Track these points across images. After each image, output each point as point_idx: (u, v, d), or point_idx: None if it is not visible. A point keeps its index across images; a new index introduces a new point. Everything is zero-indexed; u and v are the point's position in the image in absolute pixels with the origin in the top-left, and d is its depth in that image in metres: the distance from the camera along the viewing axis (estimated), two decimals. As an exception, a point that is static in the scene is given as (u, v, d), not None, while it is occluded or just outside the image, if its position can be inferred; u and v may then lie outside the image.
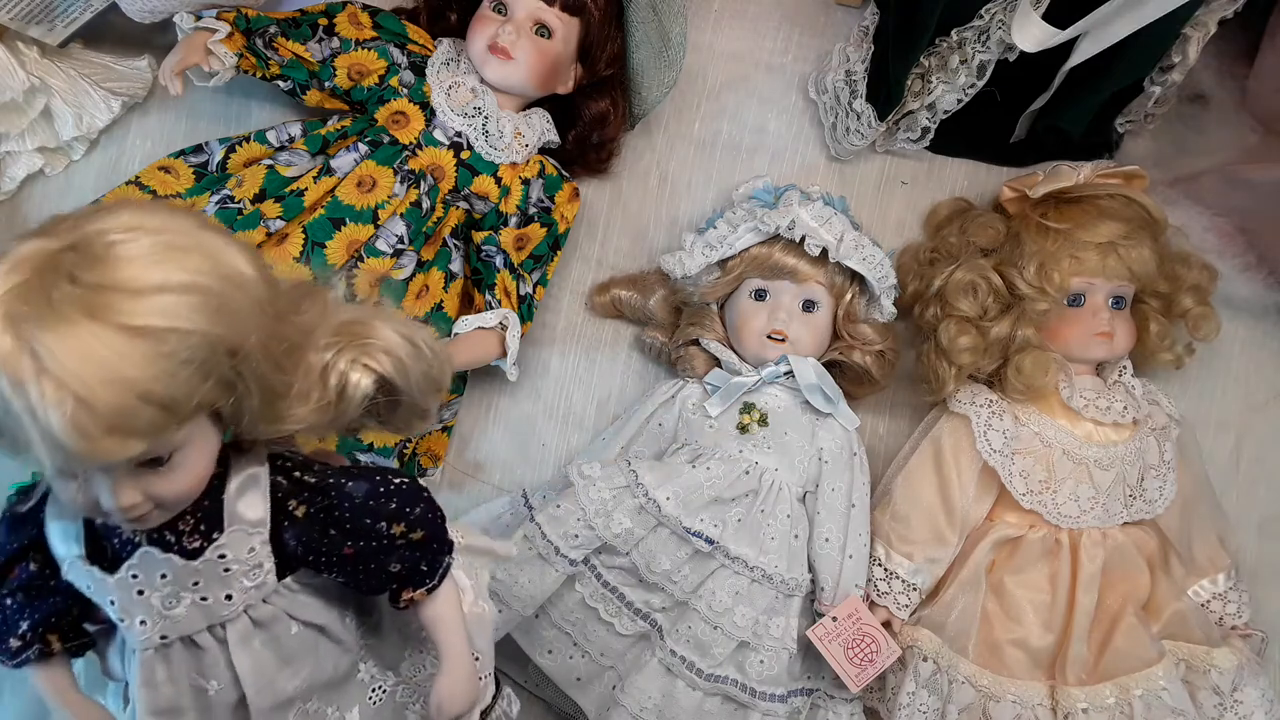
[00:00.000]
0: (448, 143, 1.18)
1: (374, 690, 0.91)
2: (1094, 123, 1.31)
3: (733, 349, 1.23)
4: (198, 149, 1.19)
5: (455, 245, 1.21)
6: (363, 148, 1.16)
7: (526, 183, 1.22)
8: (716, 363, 1.23)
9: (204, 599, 0.80)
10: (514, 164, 1.20)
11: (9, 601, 0.84)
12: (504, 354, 1.20)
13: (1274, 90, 1.26)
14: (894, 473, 1.26)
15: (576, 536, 1.13)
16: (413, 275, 1.17)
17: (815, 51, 1.35)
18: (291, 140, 1.18)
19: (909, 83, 1.26)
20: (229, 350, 0.70)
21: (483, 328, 1.18)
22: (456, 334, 1.18)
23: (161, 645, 0.80)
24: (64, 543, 0.80)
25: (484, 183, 1.19)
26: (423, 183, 1.16)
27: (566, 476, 1.17)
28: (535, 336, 1.28)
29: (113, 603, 0.79)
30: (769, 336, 1.20)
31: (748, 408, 1.19)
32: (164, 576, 0.78)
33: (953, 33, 1.22)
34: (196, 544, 0.79)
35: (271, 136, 1.18)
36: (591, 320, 1.34)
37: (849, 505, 1.19)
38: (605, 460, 1.19)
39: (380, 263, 1.15)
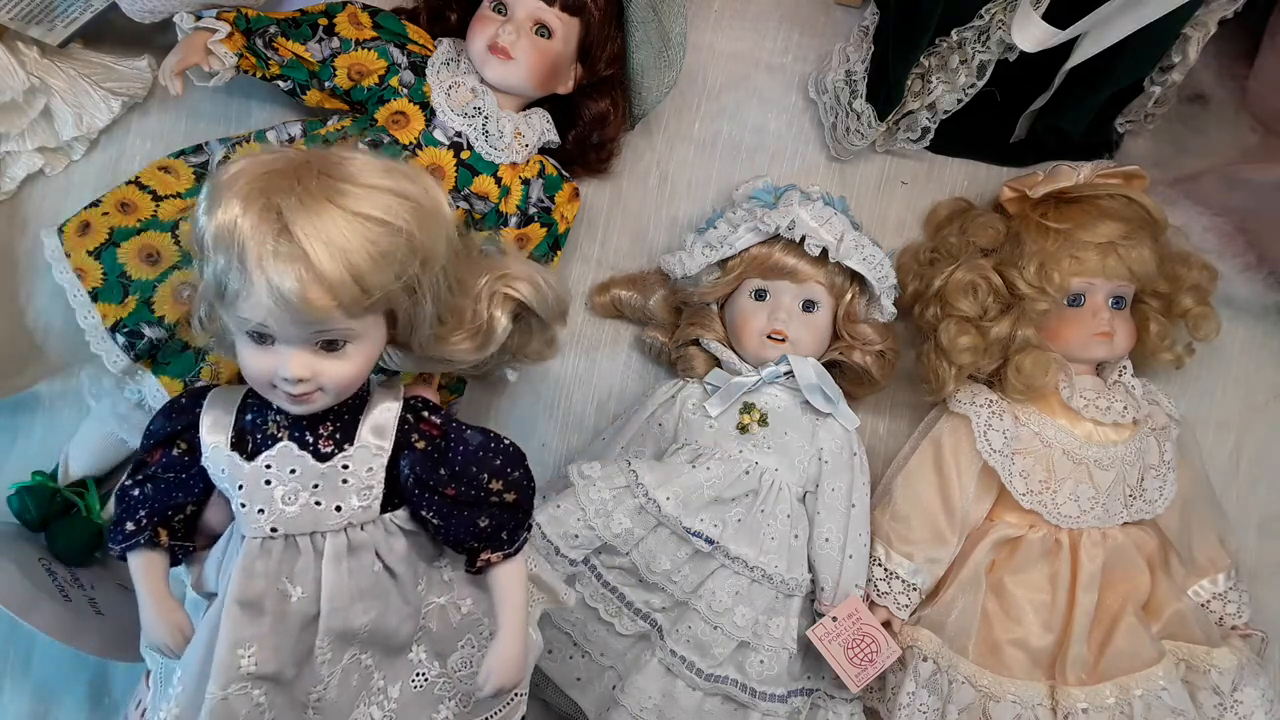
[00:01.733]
0: (447, 143, 1.18)
1: (418, 674, 0.97)
2: (1094, 123, 1.31)
3: (733, 349, 1.23)
4: (198, 149, 1.18)
5: (455, 245, 1.21)
6: (363, 148, 1.15)
7: (526, 183, 1.22)
8: (716, 363, 1.23)
9: (318, 503, 0.90)
10: (514, 164, 1.20)
11: (136, 492, 0.94)
12: (504, 354, 1.20)
13: (1274, 90, 1.26)
14: (894, 473, 1.26)
15: (576, 536, 1.13)
16: (413, 275, 1.17)
17: (815, 51, 1.35)
18: (292, 140, 1.18)
19: (909, 83, 1.26)
20: (422, 259, 0.86)
21: (483, 328, 1.18)
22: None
23: (269, 538, 0.90)
24: (214, 431, 0.92)
25: (484, 183, 1.19)
26: (423, 183, 1.16)
27: (566, 476, 1.17)
28: (535, 336, 1.28)
29: (241, 487, 0.90)
30: (769, 336, 1.20)
31: (748, 408, 1.19)
32: (293, 472, 0.90)
33: (953, 33, 1.22)
34: (329, 450, 0.91)
35: (271, 136, 1.18)
36: (591, 320, 1.34)
37: (849, 505, 1.19)
38: (605, 460, 1.19)
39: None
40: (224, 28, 1.15)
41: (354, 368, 0.89)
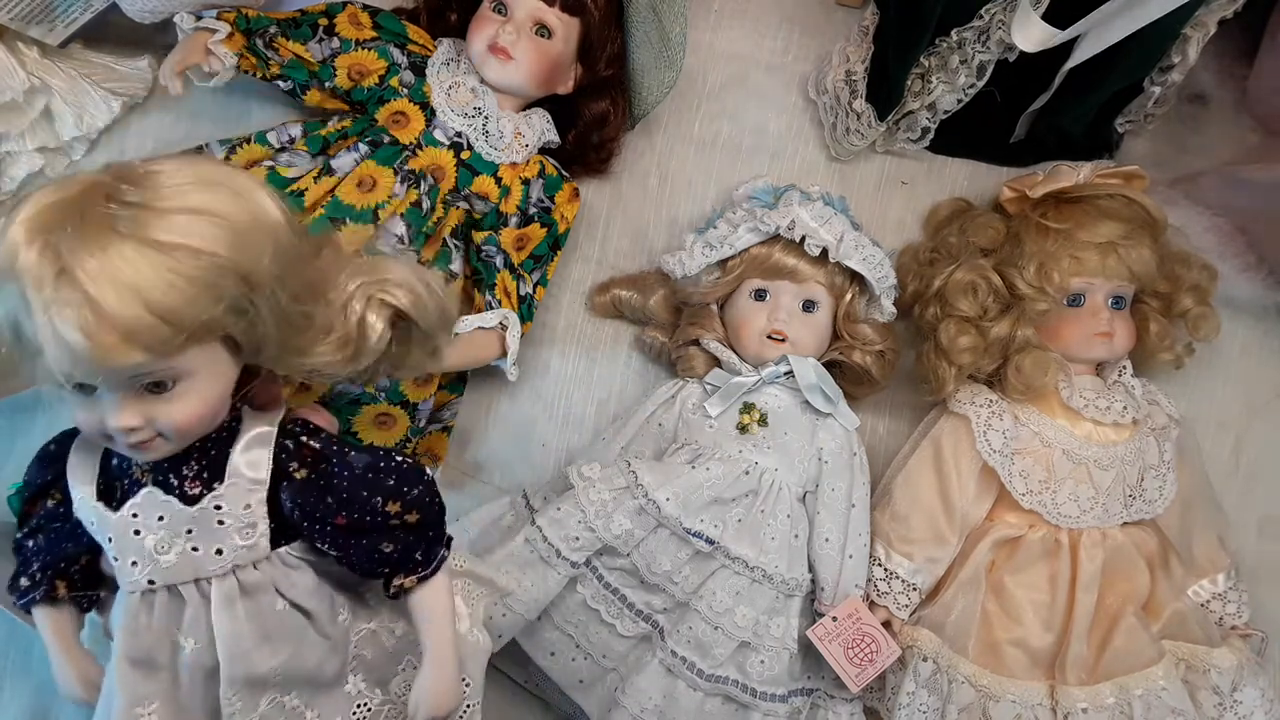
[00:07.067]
0: (448, 143, 1.18)
1: (360, 705, 0.90)
2: (1094, 123, 1.31)
3: (733, 349, 1.23)
4: (198, 150, 1.19)
5: (455, 245, 1.21)
6: (363, 148, 1.16)
7: (526, 183, 1.22)
8: (716, 363, 1.23)
9: (195, 549, 0.82)
10: (514, 164, 1.20)
11: (30, 544, 0.89)
12: (504, 354, 1.20)
13: (1274, 90, 1.26)
14: (894, 473, 1.26)
15: (577, 539, 1.13)
16: (413, 275, 1.17)
17: (815, 51, 1.35)
18: (292, 141, 1.18)
19: (909, 83, 1.26)
20: (242, 277, 0.75)
21: (483, 328, 1.18)
22: (457, 334, 1.18)
23: (148, 590, 0.83)
24: (79, 480, 0.84)
25: (484, 183, 1.19)
26: (423, 183, 1.16)
27: (566, 477, 1.17)
28: (535, 336, 1.28)
29: (110, 540, 0.83)
30: (769, 336, 1.20)
31: (748, 408, 1.19)
32: (161, 519, 0.82)
33: (953, 33, 1.22)
34: (196, 491, 0.82)
35: (272, 138, 1.18)
36: (591, 320, 1.34)
37: (849, 505, 1.19)
38: (605, 461, 1.19)
39: (380, 263, 1.15)
40: (224, 28, 1.15)
41: (192, 407, 0.78)
